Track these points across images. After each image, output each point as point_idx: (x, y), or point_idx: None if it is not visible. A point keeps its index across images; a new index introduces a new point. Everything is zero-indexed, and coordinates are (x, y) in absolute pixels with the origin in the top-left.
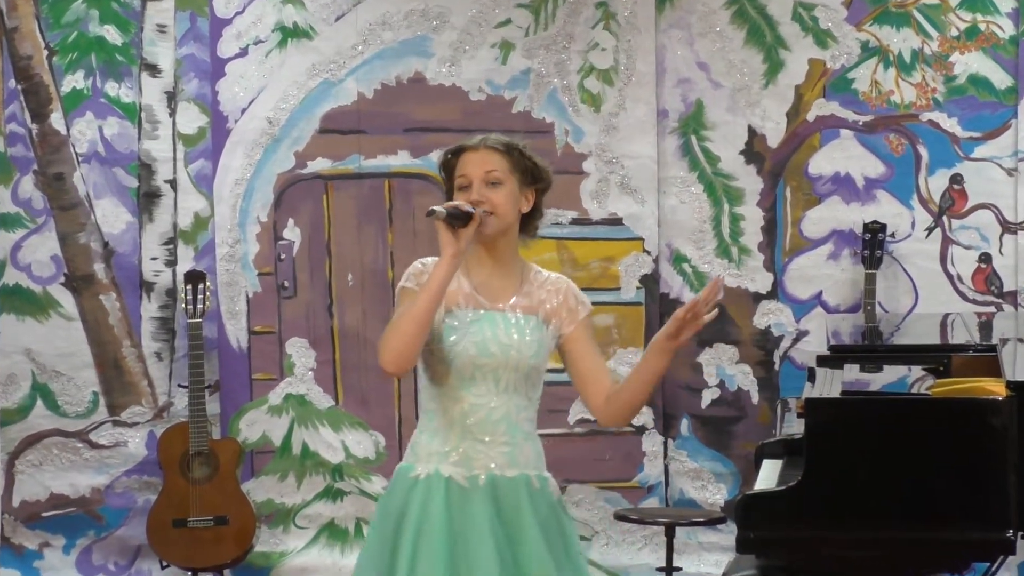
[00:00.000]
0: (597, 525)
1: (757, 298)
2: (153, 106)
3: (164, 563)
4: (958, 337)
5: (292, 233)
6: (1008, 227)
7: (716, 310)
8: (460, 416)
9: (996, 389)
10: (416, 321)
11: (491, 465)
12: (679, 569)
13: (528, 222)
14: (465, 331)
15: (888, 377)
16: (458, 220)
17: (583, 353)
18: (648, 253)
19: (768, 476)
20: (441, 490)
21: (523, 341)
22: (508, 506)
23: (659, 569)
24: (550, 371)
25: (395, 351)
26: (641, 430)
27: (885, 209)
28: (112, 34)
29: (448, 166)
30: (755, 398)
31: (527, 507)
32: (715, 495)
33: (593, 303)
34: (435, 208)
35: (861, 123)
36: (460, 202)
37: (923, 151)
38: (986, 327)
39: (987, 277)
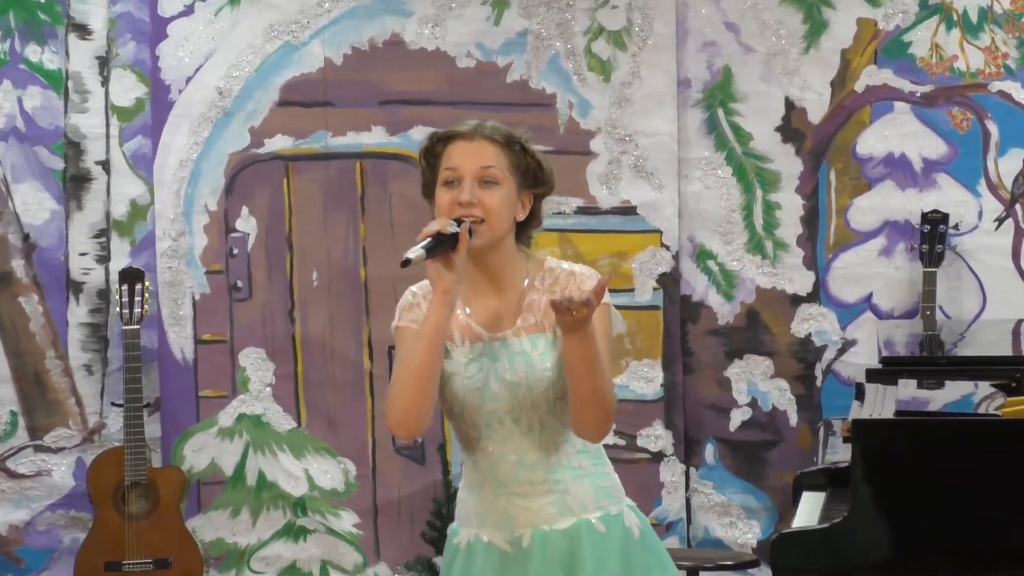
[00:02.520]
0: None
1: (796, 301)
2: (82, 74)
3: None
4: None
5: (246, 224)
6: None
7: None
8: (489, 469)
9: None
10: (417, 376)
11: (538, 521)
12: None
13: (522, 230)
14: (462, 376)
15: (950, 395)
16: (444, 246)
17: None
18: (667, 248)
19: (808, 511)
20: (480, 560)
21: (533, 373)
22: (567, 563)
23: None
24: None
25: (401, 412)
26: (659, 457)
27: (947, 196)
28: None
29: (433, 153)
30: (793, 419)
31: (589, 559)
32: (746, 534)
33: None
34: (409, 256)
35: (919, 94)
36: (439, 223)
37: (992, 127)
38: None
39: None
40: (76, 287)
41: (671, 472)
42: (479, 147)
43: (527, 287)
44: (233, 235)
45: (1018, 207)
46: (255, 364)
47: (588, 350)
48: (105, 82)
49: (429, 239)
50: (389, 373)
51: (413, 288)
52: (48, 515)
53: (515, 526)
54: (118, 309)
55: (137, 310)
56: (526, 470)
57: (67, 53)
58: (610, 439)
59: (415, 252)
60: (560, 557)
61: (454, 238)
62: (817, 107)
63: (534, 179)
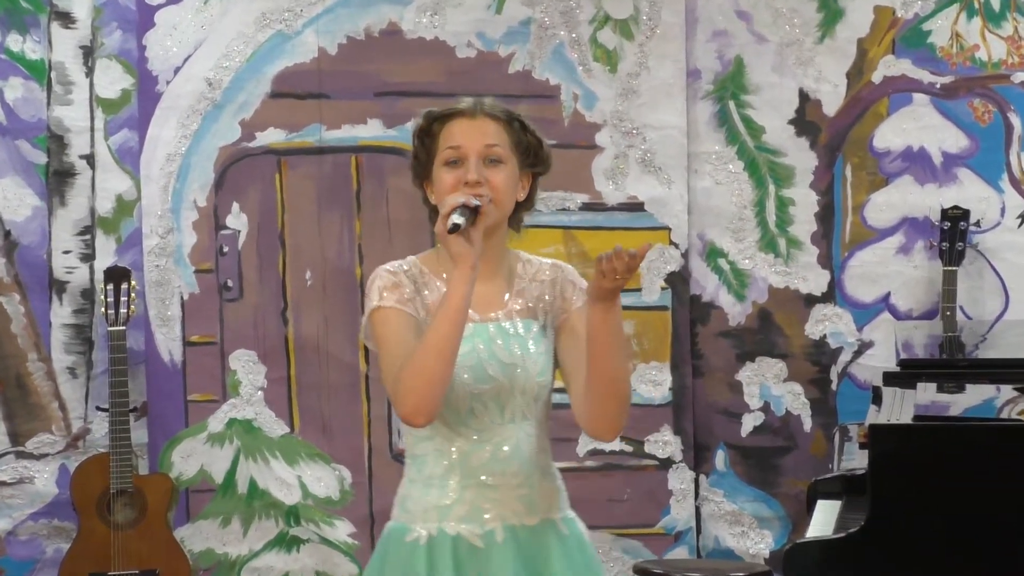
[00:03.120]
0: None
1: (810, 301)
2: (66, 64)
3: None
4: None
5: (237, 221)
6: None
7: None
8: (460, 459)
9: None
10: (441, 355)
11: (508, 515)
12: None
13: (516, 212)
14: None
15: (972, 399)
16: (467, 220)
17: (570, 346)
18: (676, 246)
19: (823, 520)
20: (447, 554)
21: (528, 356)
22: (535, 561)
23: None
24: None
25: (420, 395)
26: (667, 464)
27: (968, 192)
28: None
29: (429, 133)
30: (807, 425)
31: (559, 561)
32: (758, 543)
33: None
34: (457, 221)
35: (939, 85)
36: (463, 197)
37: (1015, 120)
38: None
39: None
40: (59, 286)
41: (680, 480)
42: (482, 124)
43: (512, 273)
44: (223, 232)
45: None
46: (246, 367)
47: (616, 321)
48: (89, 73)
49: (459, 209)
50: None
51: (387, 267)
52: (30, 524)
53: (485, 520)
54: (103, 309)
55: (123, 310)
56: (500, 462)
57: (50, 42)
58: (616, 445)
59: (459, 218)
60: (531, 554)
61: (475, 212)
62: (832, 99)
63: (535, 158)
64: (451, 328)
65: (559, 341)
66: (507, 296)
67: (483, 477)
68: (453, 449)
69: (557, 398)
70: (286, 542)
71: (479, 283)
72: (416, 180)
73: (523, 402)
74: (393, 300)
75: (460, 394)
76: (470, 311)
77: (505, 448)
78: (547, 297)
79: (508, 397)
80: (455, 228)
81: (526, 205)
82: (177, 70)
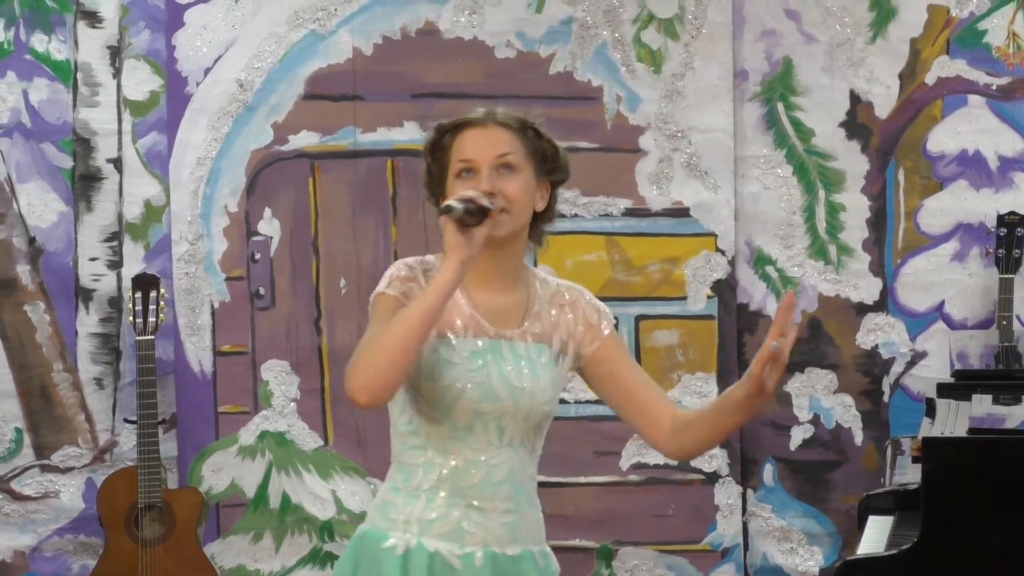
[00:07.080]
0: None
1: (861, 310)
2: (92, 65)
3: None
4: None
5: (269, 227)
6: None
7: (794, 328)
8: (452, 475)
9: None
10: (405, 340)
11: (490, 540)
12: None
13: (538, 223)
14: (465, 367)
15: None
16: (473, 216)
17: (623, 373)
18: (722, 253)
19: (875, 537)
20: (423, 569)
21: (537, 383)
22: None
23: None
24: (592, 403)
25: (373, 376)
26: (713, 478)
27: None
28: None
29: (440, 147)
30: (858, 438)
31: None
32: (807, 561)
33: (654, 316)
34: (452, 204)
35: (995, 87)
36: (475, 193)
37: None
38: None
39: None
40: (86, 295)
41: (727, 494)
42: (493, 134)
43: (530, 294)
44: (255, 239)
45: None
46: (278, 378)
47: (745, 421)
48: (117, 74)
49: (467, 203)
50: None
51: (408, 260)
52: (55, 540)
53: (466, 541)
54: (131, 318)
55: (151, 319)
56: (492, 485)
57: (76, 42)
58: (660, 458)
59: (455, 204)
60: None
61: (483, 213)
62: (884, 101)
63: (552, 164)
64: (424, 316)
65: (603, 373)
66: (524, 316)
67: (473, 499)
68: (446, 465)
69: (592, 410)
70: (320, 558)
71: (494, 295)
72: (431, 198)
73: (524, 428)
74: (399, 291)
75: (465, 409)
76: (485, 324)
77: (499, 471)
78: (568, 322)
79: (510, 420)
80: (446, 209)
81: (546, 216)
82: (207, 71)
